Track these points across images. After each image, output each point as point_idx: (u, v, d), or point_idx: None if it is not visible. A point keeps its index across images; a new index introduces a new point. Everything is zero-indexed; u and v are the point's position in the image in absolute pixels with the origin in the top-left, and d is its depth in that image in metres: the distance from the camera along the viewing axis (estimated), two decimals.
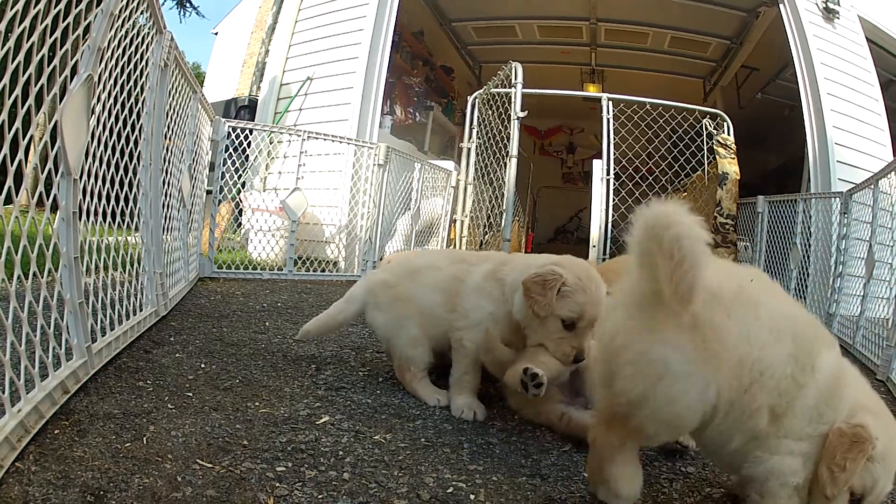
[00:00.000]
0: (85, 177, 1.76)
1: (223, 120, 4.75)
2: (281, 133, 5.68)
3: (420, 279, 2.16)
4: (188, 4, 10.44)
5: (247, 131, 5.02)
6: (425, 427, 1.85)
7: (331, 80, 7.00)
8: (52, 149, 1.47)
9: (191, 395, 1.88)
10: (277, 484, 1.35)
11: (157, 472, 1.33)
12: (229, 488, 1.29)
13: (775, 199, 5.93)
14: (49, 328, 1.62)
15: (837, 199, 4.86)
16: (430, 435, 1.79)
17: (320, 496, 1.31)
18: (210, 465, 1.39)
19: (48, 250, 1.60)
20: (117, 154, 2.10)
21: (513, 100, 5.44)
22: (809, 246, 5.27)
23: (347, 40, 6.97)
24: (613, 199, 6.18)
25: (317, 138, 5.30)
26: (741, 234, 6.54)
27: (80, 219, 1.74)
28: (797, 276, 5.27)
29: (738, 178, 6.46)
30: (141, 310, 2.59)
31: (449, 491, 1.43)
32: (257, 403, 1.87)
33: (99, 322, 2.03)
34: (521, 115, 5.36)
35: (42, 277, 1.57)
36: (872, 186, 3.97)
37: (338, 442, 1.64)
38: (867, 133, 6.62)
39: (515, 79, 5.45)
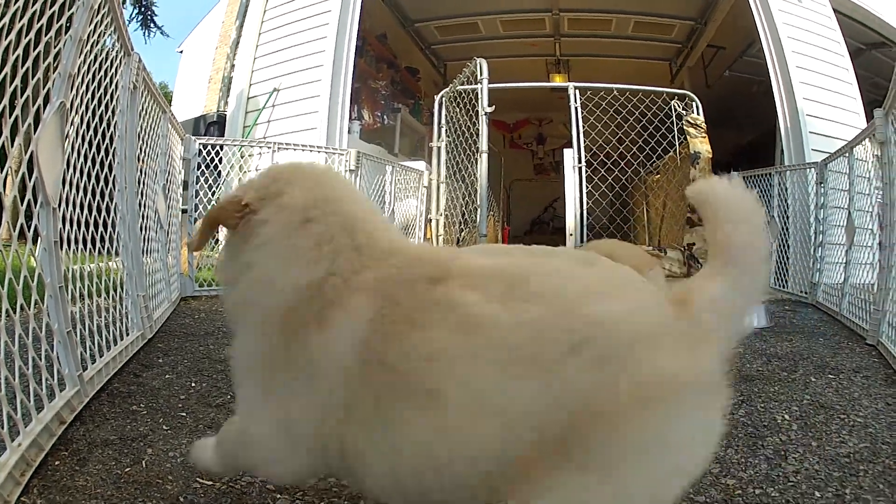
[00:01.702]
0: (63, 205, 1.74)
1: (193, 138, 4.71)
2: (251, 146, 5.64)
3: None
4: (152, 24, 10.33)
5: (217, 147, 4.98)
6: None
7: (297, 89, 6.98)
8: (30, 179, 1.46)
9: (184, 414, 1.88)
10: (278, 496, 1.36)
11: (160, 494, 1.34)
12: None
13: (749, 173, 6.00)
14: (41, 360, 1.61)
15: (813, 169, 4.92)
16: None
17: (322, 503, 1.32)
18: (210, 483, 1.40)
19: (33, 281, 1.59)
20: (93, 180, 2.08)
21: (480, 96, 5.47)
22: (788, 218, 5.35)
23: (311, 49, 6.96)
24: (587, 187, 6.25)
25: (287, 149, 5.28)
26: None
27: (61, 248, 1.73)
28: (777, 248, 5.33)
29: (710, 156, 6.58)
30: (127, 334, 2.57)
31: None
32: None
33: (88, 349, 2.01)
34: (489, 110, 5.39)
35: (29, 309, 1.56)
36: (847, 154, 4.02)
37: None
38: (839, 102, 6.71)
39: (481, 75, 5.48)
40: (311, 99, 6.81)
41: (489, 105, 5.41)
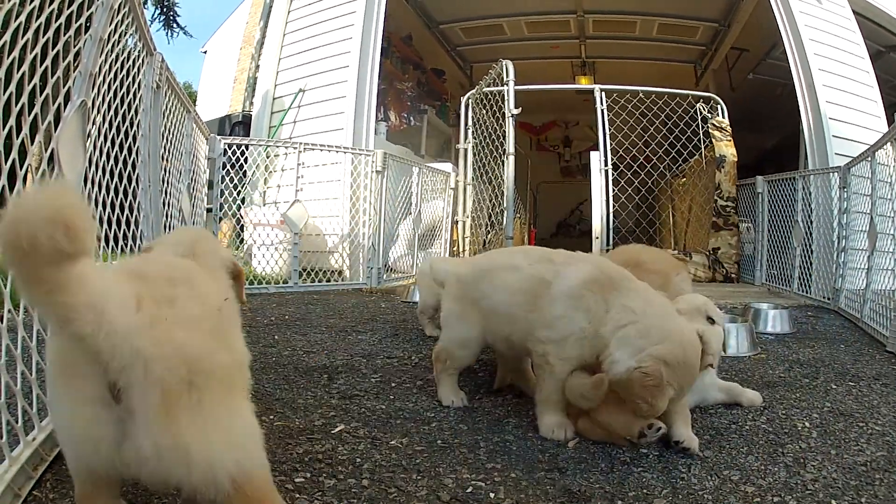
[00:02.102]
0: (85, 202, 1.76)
1: (218, 137, 4.77)
2: (277, 146, 5.69)
3: (496, 280, 1.98)
4: (175, 25, 10.49)
5: (243, 147, 5.03)
6: (441, 429, 1.86)
7: (323, 90, 7.01)
8: (51, 176, 1.48)
9: None
10: (297, 495, 1.36)
11: (178, 493, 1.34)
12: None
13: (774, 178, 5.92)
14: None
15: (836, 173, 4.84)
16: (446, 436, 1.79)
17: None
18: None
19: None
20: (115, 178, 2.11)
21: (506, 98, 5.45)
22: (811, 223, 5.24)
23: (337, 50, 6.99)
24: (613, 190, 6.19)
25: (313, 149, 5.31)
26: (742, 216, 6.56)
27: None
28: (801, 253, 5.26)
29: (735, 159, 6.48)
30: None
31: (468, 490, 1.44)
32: (272, 416, 1.89)
33: None
34: (516, 112, 5.38)
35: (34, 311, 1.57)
36: (870, 158, 3.96)
37: (354, 449, 1.65)
38: (860, 106, 6.60)
39: (507, 77, 5.47)
40: (337, 100, 6.84)
41: (516, 107, 5.39)
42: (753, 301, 4.37)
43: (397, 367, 2.54)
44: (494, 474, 1.55)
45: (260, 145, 5.42)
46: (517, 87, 5.50)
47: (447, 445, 1.73)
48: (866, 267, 3.97)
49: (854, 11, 7.01)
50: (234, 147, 4.95)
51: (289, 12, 7.63)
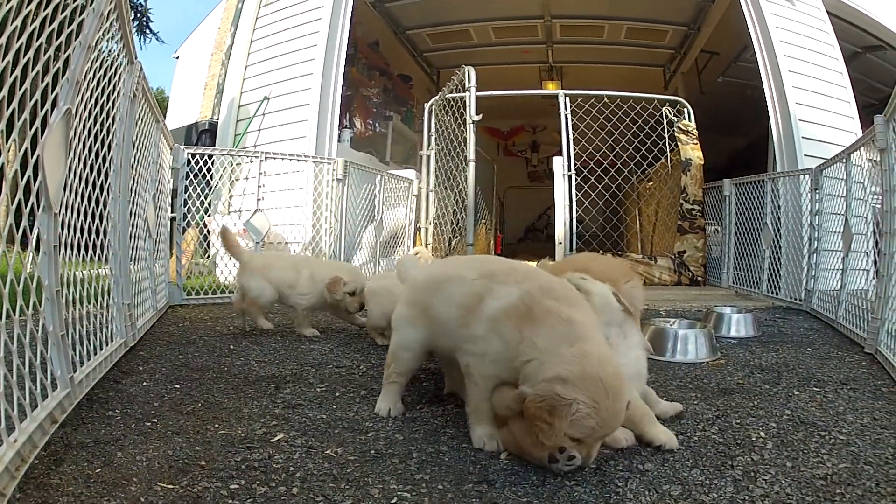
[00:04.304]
0: (62, 210, 1.84)
1: (182, 147, 4.82)
2: (238, 156, 5.75)
3: (443, 291, 2.03)
4: (148, 30, 10.52)
5: (206, 156, 5.08)
6: (377, 439, 1.90)
7: (287, 98, 7.10)
8: (35, 183, 1.56)
9: (156, 420, 2.00)
10: (230, 501, 1.45)
11: (123, 494, 1.46)
12: None
13: (742, 180, 6.06)
14: (36, 361, 1.71)
15: (807, 175, 4.92)
16: (380, 446, 1.84)
17: None
18: (170, 486, 1.51)
19: (32, 284, 1.69)
20: (90, 186, 2.18)
21: (467, 104, 5.59)
22: (780, 225, 5.37)
23: (302, 57, 7.09)
24: (577, 195, 6.37)
25: (274, 158, 5.39)
26: (710, 219, 6.76)
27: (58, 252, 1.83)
28: (770, 255, 5.38)
29: (702, 162, 6.71)
30: (112, 341, 2.66)
31: (393, 501, 1.49)
32: (217, 425, 1.97)
33: (78, 354, 2.11)
34: (476, 118, 5.53)
35: (28, 312, 1.65)
36: (845, 160, 4.04)
37: (290, 458, 1.72)
38: (832, 107, 6.77)
39: (469, 83, 5.61)
40: (300, 107, 6.93)
41: (477, 113, 5.53)
42: (718, 304, 4.38)
43: (344, 377, 2.61)
44: (422, 485, 1.57)
45: (222, 155, 5.46)
46: (481, 93, 5.66)
47: (380, 455, 1.77)
48: (841, 268, 4.05)
49: (829, 13, 7.20)
50: (198, 156, 5.00)
51: (256, 19, 7.72)
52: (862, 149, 3.79)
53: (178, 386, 2.40)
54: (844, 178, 4.07)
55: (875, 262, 3.64)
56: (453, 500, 1.50)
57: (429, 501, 1.49)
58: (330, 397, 2.33)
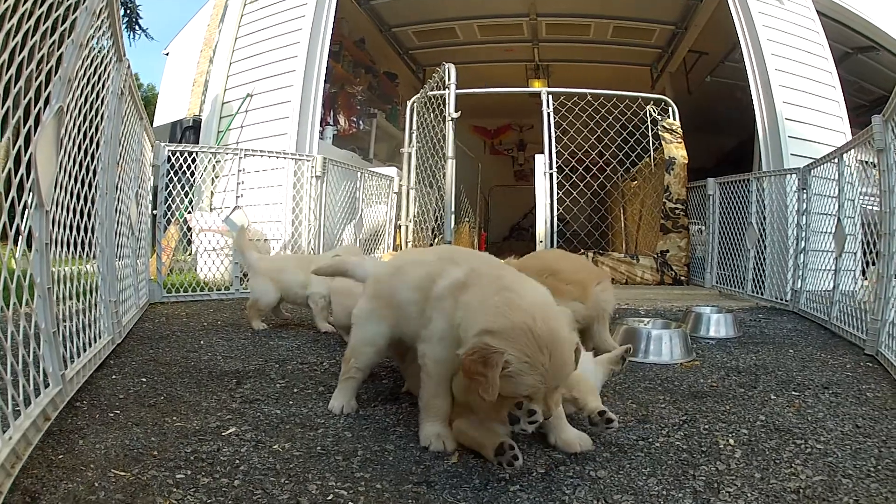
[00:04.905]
0: (53, 207, 1.88)
1: (163, 144, 4.84)
2: (218, 153, 5.79)
3: (404, 275, 2.06)
4: (137, 26, 10.53)
5: (186, 153, 5.11)
6: (325, 435, 1.92)
7: (270, 94, 7.16)
8: (28, 180, 1.60)
9: (119, 412, 2.07)
10: (174, 489, 1.52)
11: (80, 478, 1.55)
12: (134, 493, 1.50)
13: (726, 179, 6.10)
14: (29, 357, 1.75)
15: (794, 175, 4.94)
16: (327, 443, 1.85)
17: (209, 501, 1.48)
18: (122, 473, 1.59)
19: (25, 281, 1.73)
20: (78, 183, 2.22)
21: (447, 101, 5.65)
22: (765, 224, 5.39)
23: (284, 54, 7.15)
24: (558, 193, 6.46)
25: (253, 155, 5.43)
26: (693, 218, 6.84)
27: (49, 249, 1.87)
28: (755, 255, 5.41)
29: (686, 161, 6.79)
30: (100, 338, 2.70)
31: (329, 498, 1.50)
32: (175, 418, 2.04)
33: (69, 351, 2.15)
34: (455, 115, 5.59)
35: (21, 308, 1.70)
36: (837, 160, 4.04)
37: (237, 451, 1.77)
38: (821, 106, 6.84)
39: (449, 80, 5.67)
40: (282, 104, 6.98)
41: (456, 110, 5.58)
42: (699, 304, 4.37)
43: (306, 373, 2.66)
44: (361, 484, 1.58)
45: (202, 152, 5.49)
46: (461, 91, 5.72)
47: (325, 452, 1.78)
48: (833, 268, 4.03)
49: (820, 13, 7.28)
50: (178, 153, 5.02)
51: (241, 16, 7.77)
52: (853, 150, 3.80)
53: (144, 380, 2.47)
54: (837, 178, 4.05)
55: (863, 263, 3.64)
56: (389, 500, 1.50)
57: (364, 500, 1.50)
58: (288, 393, 2.37)
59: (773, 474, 1.66)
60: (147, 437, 1.83)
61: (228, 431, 1.92)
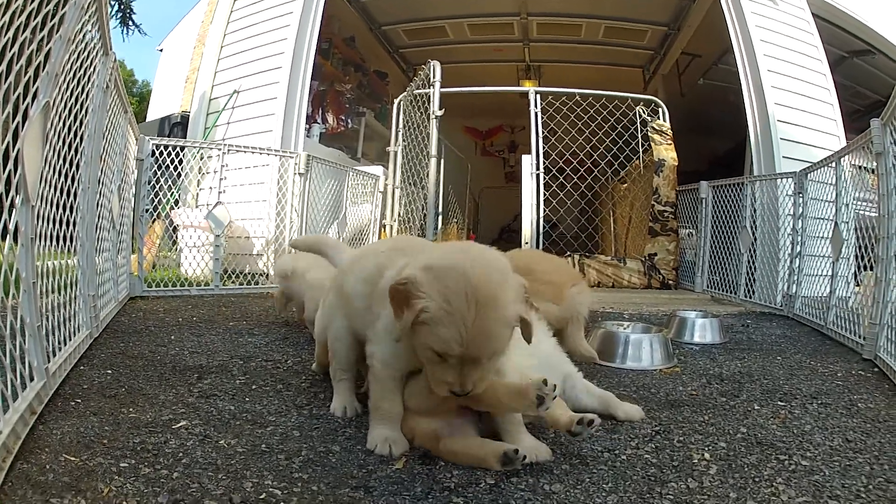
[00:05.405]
0: (38, 202, 1.92)
1: (147, 138, 4.87)
2: (202, 148, 5.82)
3: (357, 266, 2.01)
4: (131, 22, 10.54)
5: (170, 148, 5.14)
6: (273, 433, 1.92)
7: (256, 91, 7.20)
8: (15, 175, 1.65)
9: (79, 401, 2.12)
10: (116, 477, 1.56)
11: (34, 460, 1.61)
12: (80, 477, 1.54)
13: (719, 183, 6.12)
14: (16, 352, 1.79)
15: (790, 179, 4.95)
16: (273, 441, 1.85)
17: (146, 490, 1.51)
18: (72, 459, 1.64)
19: (12, 275, 1.77)
20: (62, 177, 2.26)
21: (431, 99, 5.71)
22: (756, 228, 5.45)
23: (271, 51, 7.20)
24: (545, 194, 6.52)
25: (237, 151, 5.46)
26: (684, 222, 6.87)
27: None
28: (748, 259, 5.41)
29: (676, 164, 6.81)
30: (79, 331, 2.74)
31: (262, 496, 1.50)
32: (131, 409, 2.07)
33: (51, 344, 2.19)
34: (439, 113, 5.64)
35: (8, 302, 1.74)
36: (835, 164, 4.04)
37: (183, 445, 1.80)
38: (814, 109, 6.85)
39: (433, 77, 5.72)
40: (268, 101, 7.03)
41: (441, 108, 5.63)
42: (686, 308, 4.32)
43: (269, 370, 2.68)
44: (297, 485, 1.56)
45: (186, 146, 5.52)
46: (445, 89, 5.77)
47: (269, 450, 1.78)
48: (829, 273, 4.04)
49: (816, 15, 7.30)
50: (162, 148, 5.05)
51: (231, 12, 7.82)
52: (850, 154, 3.82)
53: (109, 371, 2.50)
54: (834, 182, 4.03)
55: (856, 269, 3.67)
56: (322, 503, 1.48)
57: (297, 501, 1.48)
58: (245, 390, 2.37)
59: (750, 494, 1.51)
60: (101, 426, 1.87)
61: (179, 425, 1.94)
